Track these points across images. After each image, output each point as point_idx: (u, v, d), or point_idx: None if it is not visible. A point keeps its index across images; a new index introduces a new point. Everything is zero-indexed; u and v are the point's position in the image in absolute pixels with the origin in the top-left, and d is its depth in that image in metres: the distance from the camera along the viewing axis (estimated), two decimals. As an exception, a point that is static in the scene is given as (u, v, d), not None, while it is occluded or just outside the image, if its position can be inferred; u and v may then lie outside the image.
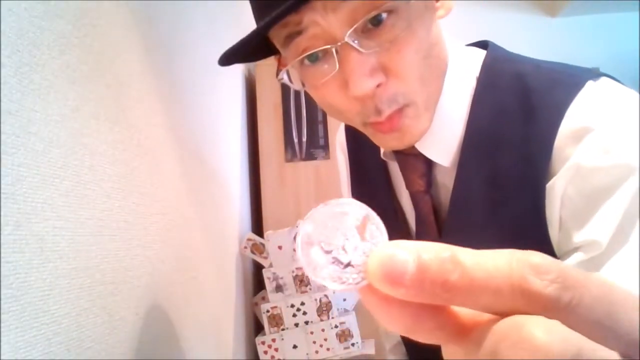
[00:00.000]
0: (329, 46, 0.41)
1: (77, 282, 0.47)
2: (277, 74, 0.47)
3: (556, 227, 0.47)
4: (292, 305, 1.29)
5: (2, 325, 0.36)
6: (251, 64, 1.80)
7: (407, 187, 0.56)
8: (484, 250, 0.16)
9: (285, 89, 1.60)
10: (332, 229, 0.18)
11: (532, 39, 2.49)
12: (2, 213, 0.37)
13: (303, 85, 0.47)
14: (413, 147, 0.51)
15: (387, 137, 0.47)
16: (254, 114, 1.64)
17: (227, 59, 0.47)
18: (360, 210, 0.18)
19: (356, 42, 0.40)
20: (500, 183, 0.49)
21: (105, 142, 0.56)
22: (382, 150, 0.59)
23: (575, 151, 0.44)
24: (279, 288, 1.30)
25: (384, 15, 0.40)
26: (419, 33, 0.42)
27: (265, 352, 1.29)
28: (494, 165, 0.49)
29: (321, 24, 0.40)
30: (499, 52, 0.53)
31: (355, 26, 0.39)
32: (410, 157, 0.54)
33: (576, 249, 0.45)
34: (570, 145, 0.45)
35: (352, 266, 0.17)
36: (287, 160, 1.58)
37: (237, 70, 1.61)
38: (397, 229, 0.61)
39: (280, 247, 1.31)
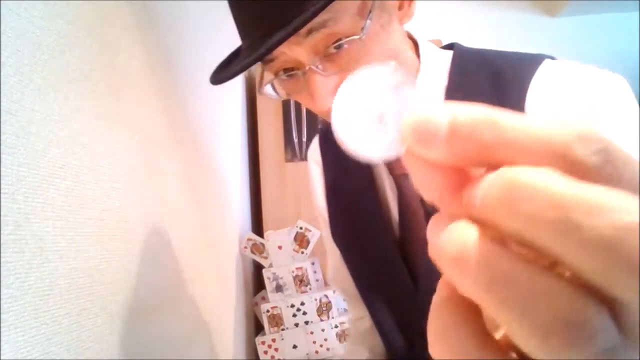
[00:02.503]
0: (296, 71, 0.48)
1: (77, 282, 0.47)
2: (258, 89, 0.55)
3: None
4: (292, 305, 1.29)
5: (2, 325, 0.36)
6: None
7: (390, 172, 0.61)
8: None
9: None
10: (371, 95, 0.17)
11: (532, 39, 2.48)
12: (2, 213, 0.37)
13: (277, 92, 0.54)
14: None
15: None
16: (254, 114, 1.64)
17: (220, 80, 0.55)
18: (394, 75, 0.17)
19: (319, 67, 0.46)
20: None
21: (105, 142, 0.56)
22: None
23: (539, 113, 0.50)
24: (279, 288, 1.30)
25: (344, 41, 0.45)
26: (375, 51, 0.47)
27: (265, 352, 1.29)
28: None
29: (288, 54, 0.46)
30: (465, 47, 0.60)
31: (318, 56, 0.46)
32: None
33: None
34: (536, 110, 0.51)
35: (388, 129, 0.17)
36: (287, 160, 1.58)
37: (237, 70, 1.61)
38: (380, 219, 0.64)
39: (280, 247, 1.31)
